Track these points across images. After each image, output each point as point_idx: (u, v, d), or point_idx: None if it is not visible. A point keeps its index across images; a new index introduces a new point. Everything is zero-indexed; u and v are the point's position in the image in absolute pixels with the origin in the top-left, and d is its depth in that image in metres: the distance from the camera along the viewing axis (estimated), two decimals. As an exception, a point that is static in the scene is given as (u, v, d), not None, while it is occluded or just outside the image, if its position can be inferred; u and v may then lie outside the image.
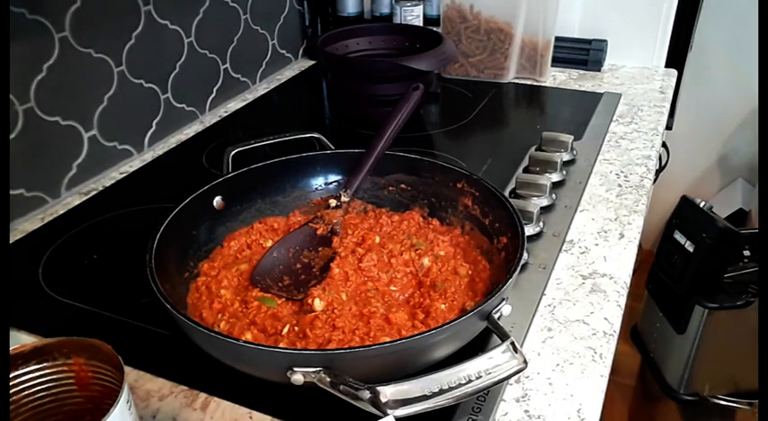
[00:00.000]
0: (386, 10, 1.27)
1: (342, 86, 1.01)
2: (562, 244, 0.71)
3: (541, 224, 0.72)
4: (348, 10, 1.26)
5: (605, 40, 1.20)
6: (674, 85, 1.16)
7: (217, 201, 0.66)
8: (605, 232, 0.73)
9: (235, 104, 1.11)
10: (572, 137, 0.88)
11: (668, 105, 1.09)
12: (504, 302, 0.51)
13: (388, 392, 0.41)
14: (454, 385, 0.43)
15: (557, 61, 1.19)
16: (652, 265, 1.28)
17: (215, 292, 0.58)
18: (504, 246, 0.59)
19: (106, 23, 0.83)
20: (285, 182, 0.71)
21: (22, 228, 0.76)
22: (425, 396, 0.42)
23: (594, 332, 0.59)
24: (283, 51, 1.25)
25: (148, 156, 0.93)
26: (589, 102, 1.07)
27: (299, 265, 0.64)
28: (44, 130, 0.77)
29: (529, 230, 0.70)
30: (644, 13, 1.17)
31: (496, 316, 0.50)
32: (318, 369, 0.44)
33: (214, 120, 1.04)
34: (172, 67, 0.97)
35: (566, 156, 0.86)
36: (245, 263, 0.63)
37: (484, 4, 1.10)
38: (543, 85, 1.15)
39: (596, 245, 0.71)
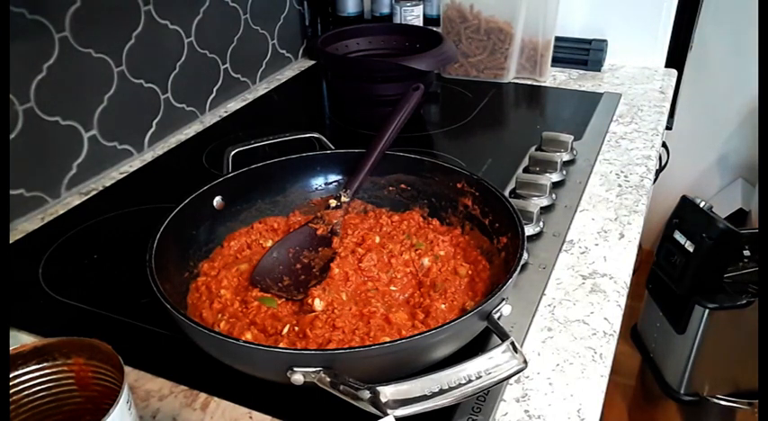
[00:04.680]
0: (386, 10, 1.27)
1: (342, 86, 1.01)
2: (562, 244, 0.71)
3: (541, 224, 0.72)
4: (348, 10, 1.26)
5: (605, 40, 1.20)
6: (674, 85, 1.16)
7: (217, 201, 0.66)
8: (605, 232, 0.74)
9: (235, 104, 1.11)
10: (572, 137, 0.88)
11: (668, 105, 1.09)
12: (504, 302, 0.51)
13: (388, 392, 0.41)
14: (454, 385, 0.43)
15: (557, 61, 1.19)
16: (652, 265, 1.28)
17: (215, 292, 0.58)
18: (504, 246, 0.59)
19: (106, 23, 0.83)
20: (285, 182, 0.71)
21: (22, 228, 0.76)
22: (425, 396, 0.42)
23: (594, 332, 0.59)
24: (283, 51, 1.25)
25: (148, 156, 0.93)
26: (589, 102, 1.07)
27: (298, 266, 0.64)
28: (44, 130, 0.77)
29: (529, 230, 0.70)
30: (644, 13, 1.17)
31: (496, 316, 0.50)
32: (318, 369, 0.44)
33: (214, 120, 1.04)
34: (172, 67, 0.97)
35: (566, 156, 0.86)
36: (245, 263, 0.63)
37: (484, 4, 1.10)
38: (543, 85, 1.15)
39: (596, 245, 0.71)
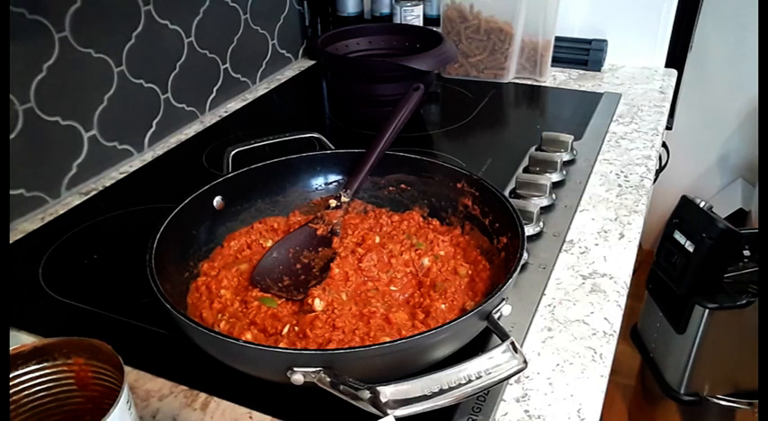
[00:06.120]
0: (386, 10, 1.27)
1: (342, 86, 1.01)
2: (562, 244, 0.71)
3: (541, 224, 0.72)
4: (348, 10, 1.26)
5: (605, 40, 1.20)
6: (674, 85, 1.16)
7: (217, 201, 0.66)
8: (605, 232, 0.73)
9: (235, 104, 1.11)
10: (572, 137, 0.88)
11: (668, 105, 1.09)
12: (504, 302, 0.51)
13: (388, 392, 0.41)
14: (454, 385, 0.43)
15: (557, 61, 1.19)
16: (652, 265, 1.28)
17: (215, 292, 0.58)
18: (504, 246, 0.59)
19: (106, 23, 0.83)
20: (285, 182, 0.71)
21: (22, 228, 0.76)
22: (425, 396, 0.42)
23: (594, 332, 0.59)
24: (283, 51, 1.25)
25: (148, 156, 0.93)
26: (589, 102, 1.07)
27: (298, 266, 0.64)
28: (44, 130, 0.77)
29: (529, 230, 0.70)
30: (644, 13, 1.17)
31: (496, 316, 0.50)
32: (318, 369, 0.44)
33: (214, 120, 1.04)
34: (172, 67, 0.97)
35: (566, 156, 0.86)
36: (245, 263, 0.63)
37: (484, 4, 1.10)
38: (543, 85, 1.15)
39: (596, 245, 0.71)
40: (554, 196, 0.78)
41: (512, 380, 0.53)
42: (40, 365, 0.42)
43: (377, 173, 0.71)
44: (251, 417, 0.50)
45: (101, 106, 0.85)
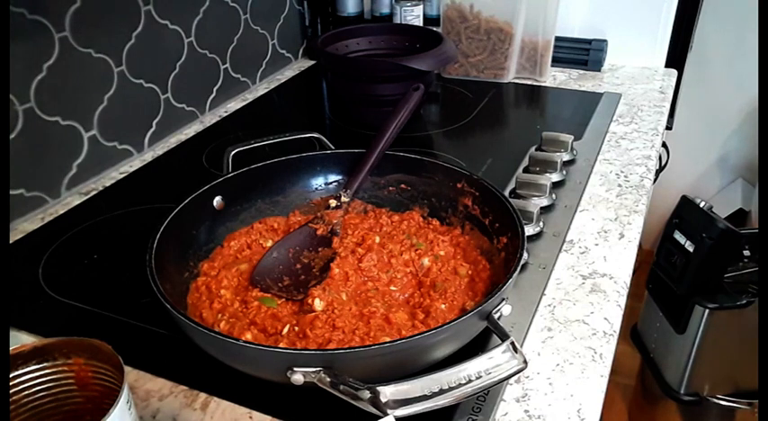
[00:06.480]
0: (386, 10, 1.27)
1: (342, 86, 1.01)
2: (562, 244, 0.71)
3: (541, 224, 0.72)
4: (348, 10, 1.26)
5: (605, 40, 1.20)
6: (674, 85, 1.16)
7: (217, 201, 0.66)
8: (605, 232, 0.74)
9: (235, 104, 1.11)
10: (572, 137, 0.88)
11: (668, 105, 1.09)
12: (504, 302, 0.51)
13: (388, 392, 0.41)
14: (454, 385, 0.43)
15: (557, 61, 1.19)
16: (652, 265, 1.28)
17: (215, 292, 0.58)
18: (504, 246, 0.59)
19: (106, 23, 0.83)
20: (285, 182, 0.71)
21: (22, 228, 0.76)
22: (425, 396, 0.42)
23: (594, 332, 0.59)
24: (283, 51, 1.25)
25: (148, 156, 0.93)
26: (589, 102, 1.07)
27: (298, 266, 0.64)
28: (44, 130, 0.77)
29: (529, 230, 0.70)
30: (644, 13, 1.17)
31: (496, 316, 0.50)
32: (318, 369, 0.44)
33: (214, 120, 1.04)
34: (172, 66, 0.97)
35: (566, 156, 0.86)
36: (245, 263, 0.63)
37: (484, 4, 1.10)
38: (543, 85, 1.15)
39: (596, 245, 0.71)
40: (554, 196, 0.78)
41: (512, 380, 0.53)
42: (40, 365, 0.42)
43: (377, 173, 0.71)
44: (251, 417, 0.50)
45: (101, 106, 0.85)
